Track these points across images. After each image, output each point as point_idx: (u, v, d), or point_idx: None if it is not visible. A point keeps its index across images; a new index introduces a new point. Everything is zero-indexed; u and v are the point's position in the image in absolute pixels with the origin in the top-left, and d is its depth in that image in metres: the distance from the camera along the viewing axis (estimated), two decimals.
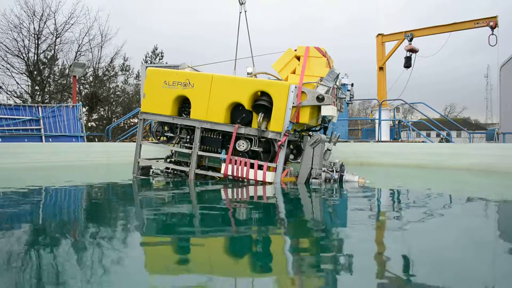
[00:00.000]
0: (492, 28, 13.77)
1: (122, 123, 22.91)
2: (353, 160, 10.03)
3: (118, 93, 27.55)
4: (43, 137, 12.70)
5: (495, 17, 13.78)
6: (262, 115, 6.03)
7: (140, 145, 6.94)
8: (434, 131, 17.81)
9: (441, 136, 20.36)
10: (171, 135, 6.90)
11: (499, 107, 15.52)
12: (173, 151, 7.08)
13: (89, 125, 24.27)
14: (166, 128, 6.97)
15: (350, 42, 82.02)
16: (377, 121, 13.34)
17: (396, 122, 15.48)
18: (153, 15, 64.57)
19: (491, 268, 2.36)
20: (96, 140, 20.87)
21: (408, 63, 15.54)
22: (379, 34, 16.39)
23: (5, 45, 21.30)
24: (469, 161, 8.94)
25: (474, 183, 7.08)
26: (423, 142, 12.68)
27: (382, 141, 12.21)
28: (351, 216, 4.03)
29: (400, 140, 14.67)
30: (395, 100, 15.66)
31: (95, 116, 26.61)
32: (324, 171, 6.00)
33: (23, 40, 21.77)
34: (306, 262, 2.42)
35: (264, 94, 6.15)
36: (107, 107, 26.54)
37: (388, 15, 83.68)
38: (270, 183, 5.94)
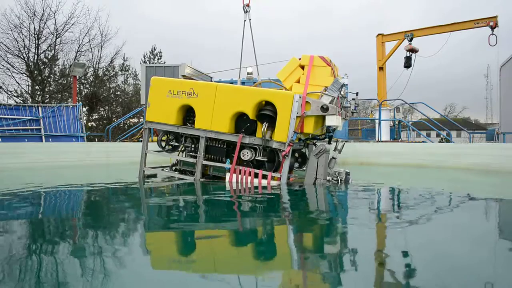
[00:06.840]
0: (492, 28, 13.81)
1: (122, 123, 22.91)
2: (353, 160, 10.09)
3: (118, 93, 27.52)
4: (43, 137, 12.64)
5: (495, 17, 13.80)
6: (267, 124, 6.05)
7: (146, 154, 6.99)
8: (434, 131, 17.89)
9: (441, 136, 20.42)
10: (176, 144, 6.95)
11: (499, 107, 15.59)
12: (178, 160, 7.12)
13: (89, 125, 24.25)
14: (169, 136, 7.00)
15: (353, 41, 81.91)
16: (377, 121, 13.39)
17: (396, 122, 15.54)
18: (152, 8, 64.82)
19: (491, 266, 2.43)
20: (96, 140, 20.87)
21: (408, 63, 15.57)
22: (379, 34, 16.39)
23: (5, 45, 21.24)
24: (469, 161, 9.02)
25: (474, 183, 7.13)
26: (423, 142, 12.75)
27: (382, 141, 12.28)
28: (352, 214, 4.14)
29: (400, 140, 14.74)
30: (395, 100, 15.71)
31: (95, 116, 26.59)
32: (328, 181, 6.05)
33: (23, 40, 21.71)
34: (309, 256, 2.66)
35: (268, 103, 6.17)
36: (107, 107, 26.51)
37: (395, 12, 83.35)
38: None
